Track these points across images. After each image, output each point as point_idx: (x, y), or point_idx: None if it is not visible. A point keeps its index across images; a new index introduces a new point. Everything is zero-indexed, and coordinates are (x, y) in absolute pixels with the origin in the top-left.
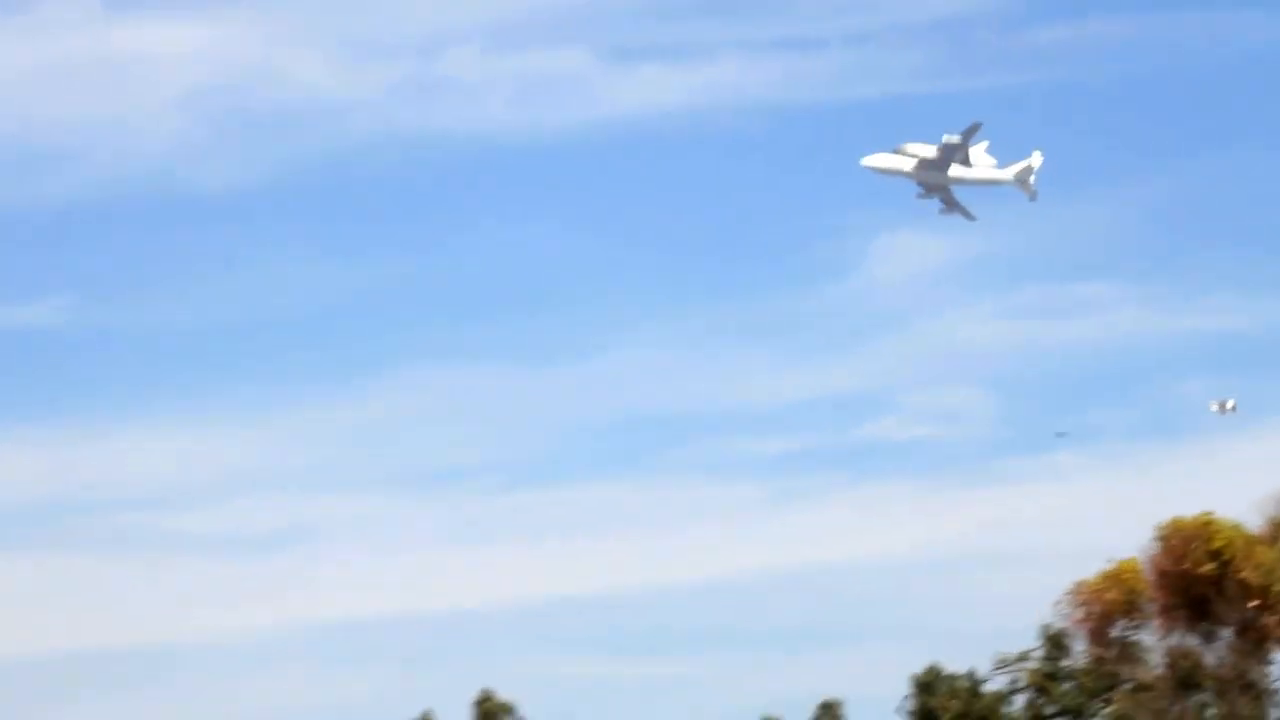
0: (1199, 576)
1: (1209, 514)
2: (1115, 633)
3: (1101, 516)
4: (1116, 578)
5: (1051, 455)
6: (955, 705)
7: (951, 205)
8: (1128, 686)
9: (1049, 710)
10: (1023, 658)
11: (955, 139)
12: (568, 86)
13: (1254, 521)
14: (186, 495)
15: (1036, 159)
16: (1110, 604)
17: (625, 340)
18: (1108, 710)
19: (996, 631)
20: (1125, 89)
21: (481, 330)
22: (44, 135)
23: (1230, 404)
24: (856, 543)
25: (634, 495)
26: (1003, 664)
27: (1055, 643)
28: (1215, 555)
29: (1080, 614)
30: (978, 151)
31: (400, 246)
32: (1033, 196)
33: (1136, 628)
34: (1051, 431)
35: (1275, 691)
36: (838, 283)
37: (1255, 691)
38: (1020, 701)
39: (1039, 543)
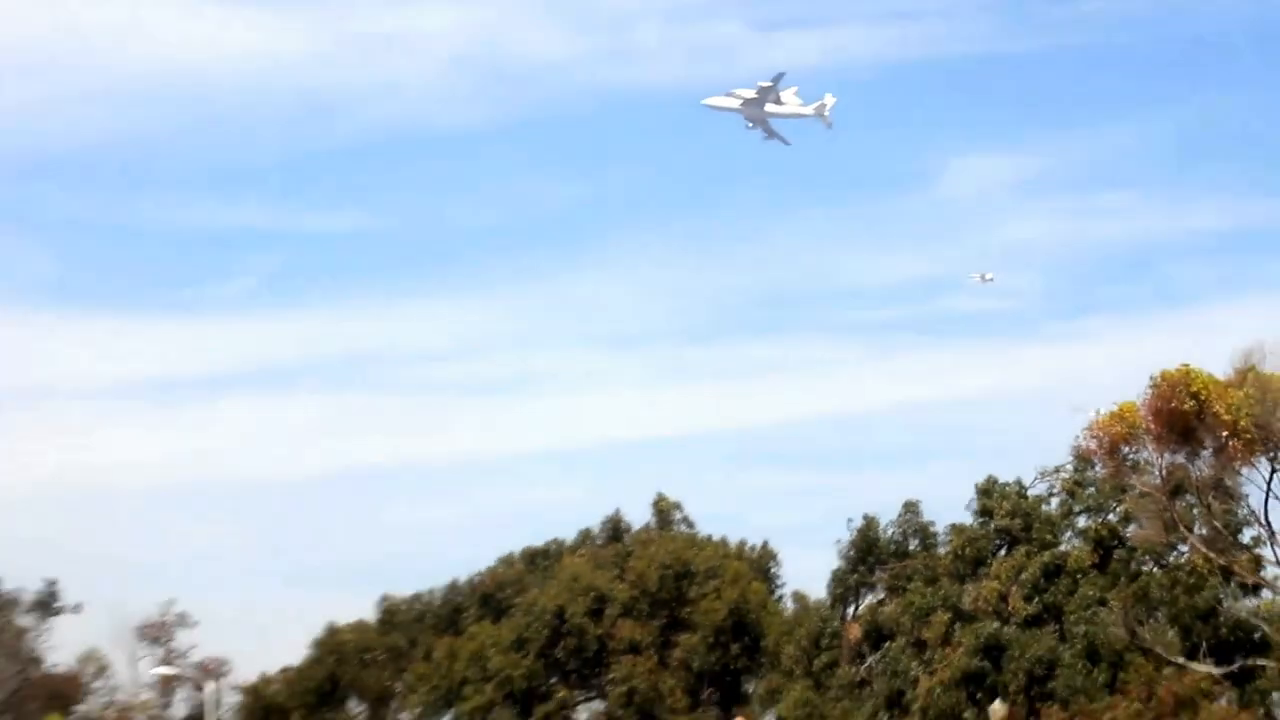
0: (1183, 412)
1: (1188, 365)
2: (1124, 454)
3: (1118, 368)
4: (1121, 415)
5: (1084, 321)
6: (1006, 505)
7: (771, 134)
8: (1134, 493)
9: (1076, 509)
10: (1057, 470)
11: (767, 84)
12: (726, 52)
13: (1227, 370)
14: (449, 352)
15: (829, 99)
16: (1117, 434)
17: (769, 236)
18: (1119, 509)
19: (1040, 451)
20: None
21: (662, 230)
22: (339, 91)
23: (989, 276)
24: (937, 386)
25: (775, 351)
26: (1042, 475)
27: (1081, 460)
28: (1194, 396)
29: (1096, 441)
30: (788, 94)
31: (609, 167)
32: (829, 125)
33: (1138, 450)
34: (1084, 304)
35: (1243, 495)
36: (924, 193)
37: (1226, 493)
38: (1055, 503)
39: (1073, 386)
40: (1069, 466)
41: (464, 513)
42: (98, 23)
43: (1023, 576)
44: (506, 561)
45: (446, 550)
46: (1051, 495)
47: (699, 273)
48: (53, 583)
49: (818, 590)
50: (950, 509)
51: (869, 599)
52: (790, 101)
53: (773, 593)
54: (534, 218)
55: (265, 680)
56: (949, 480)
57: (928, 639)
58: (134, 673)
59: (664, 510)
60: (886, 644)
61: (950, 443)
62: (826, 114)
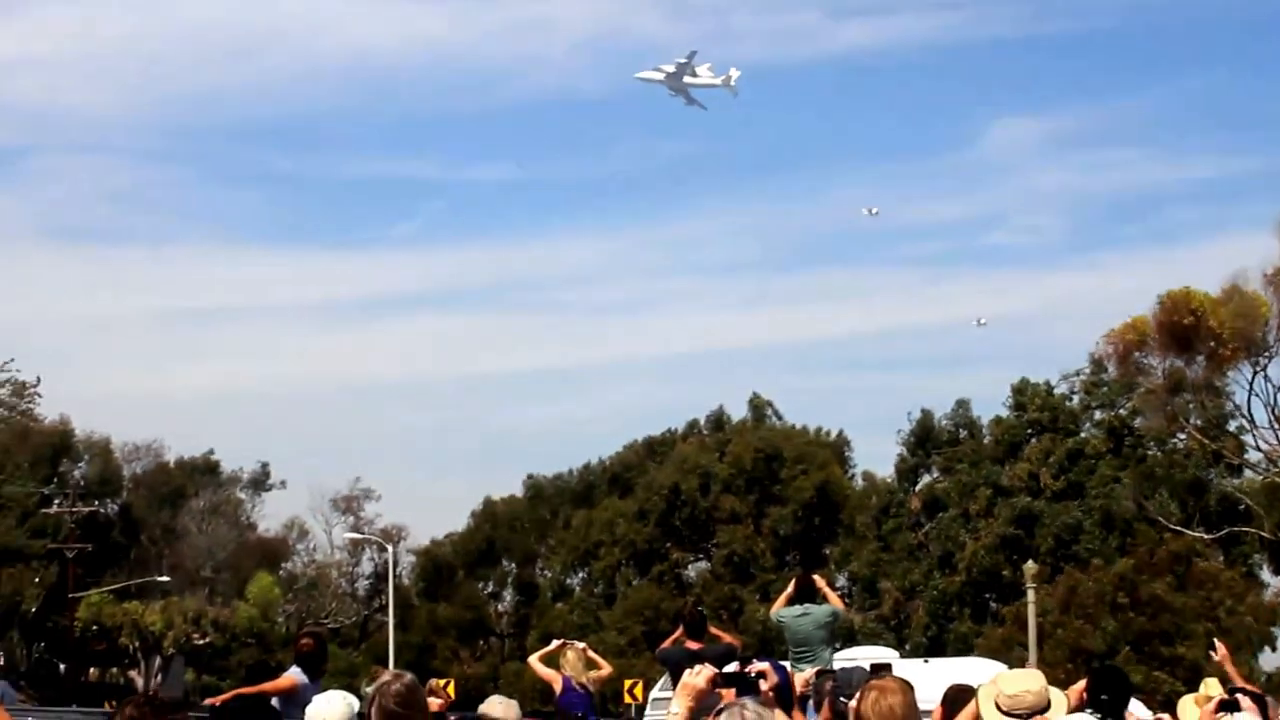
0: (1183, 325)
1: (1188, 287)
2: (1134, 359)
3: (1130, 291)
4: (1133, 325)
5: (1099, 254)
6: (1037, 401)
7: (690, 101)
8: (1141, 390)
9: (1094, 404)
10: (1078, 373)
11: (683, 60)
12: (804, 36)
13: (1217, 291)
14: (581, 278)
15: (734, 72)
16: (1129, 342)
17: (839, 186)
18: (1129, 404)
19: (1065, 356)
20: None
21: (750, 180)
22: (491, 67)
23: (874, 210)
24: (979, 306)
25: (845, 278)
26: (1065, 376)
27: (1098, 365)
28: (1193, 312)
29: (1111, 348)
30: (703, 69)
31: (705, 128)
32: (735, 94)
33: (1146, 356)
34: (1098, 240)
35: (1230, 392)
36: (968, 150)
37: (1216, 391)
38: (1076, 399)
39: (1092, 303)
40: (1087, 369)
41: (596, 409)
42: (296, 16)
43: (1050, 459)
44: (630, 448)
45: (582, 439)
46: (1073, 393)
47: (782, 216)
48: (265, 464)
49: (884, 471)
50: (991, 405)
51: (926, 478)
52: (704, 75)
53: (847, 473)
54: (644, 170)
55: (435, 544)
56: (990, 381)
57: (973, 510)
58: (329, 538)
59: (758, 406)
60: (940, 514)
61: (991, 351)
62: (733, 84)
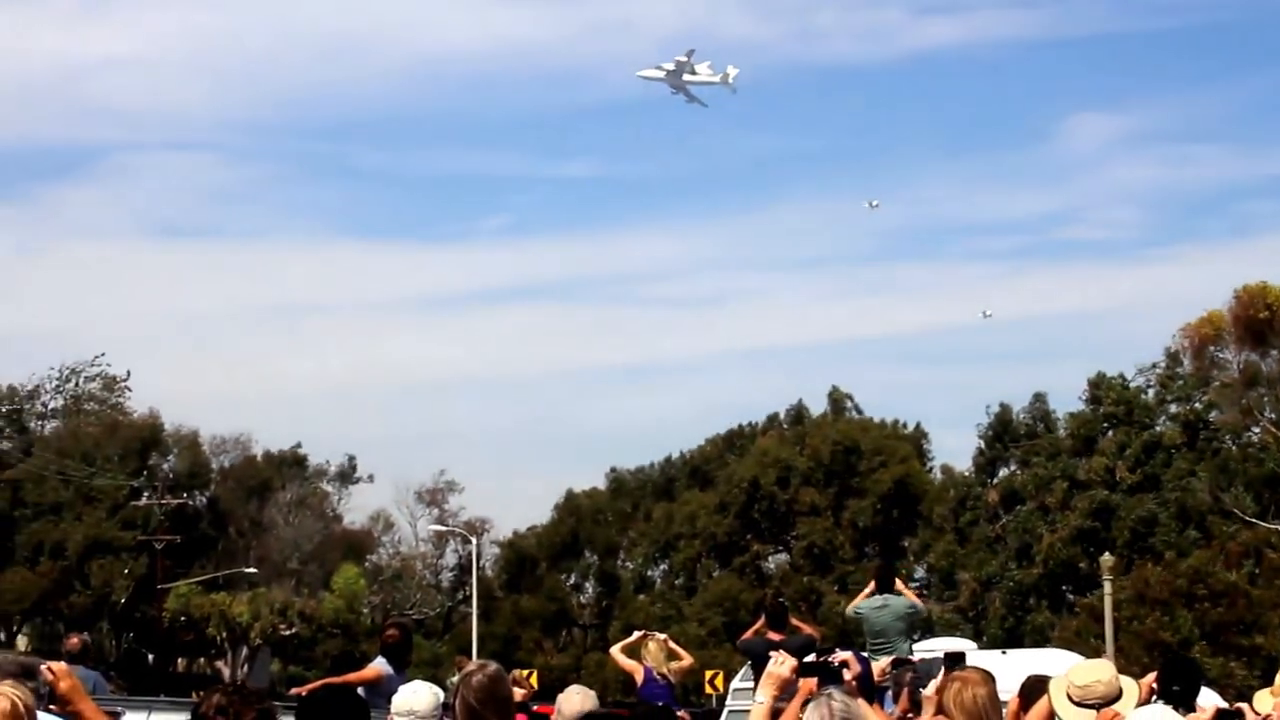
0: (1259, 319)
1: (1264, 282)
2: (1209, 352)
3: (1206, 285)
4: (1209, 319)
5: (1176, 248)
6: (1113, 395)
7: (691, 99)
8: (1216, 384)
9: (1169, 398)
10: (1154, 366)
11: (683, 58)
12: (887, 33)
13: None
14: (664, 273)
15: (732, 70)
16: (1205, 336)
17: (921, 181)
18: (1204, 397)
19: (1141, 350)
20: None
21: (833, 176)
22: (579, 66)
23: (876, 203)
24: (1057, 300)
25: (926, 272)
26: (1141, 370)
27: (1174, 358)
28: (1269, 306)
29: (1187, 342)
30: (702, 67)
31: (789, 125)
32: (733, 91)
33: (1222, 350)
34: (1176, 234)
35: None
36: (1047, 145)
37: None
38: (1151, 393)
39: (1169, 297)
40: (1163, 363)
41: (677, 402)
42: (387, 16)
43: (1126, 453)
44: (711, 441)
45: (663, 431)
46: (1149, 387)
47: (863, 211)
48: (352, 457)
49: (962, 464)
50: (1068, 398)
51: (1003, 471)
52: (703, 72)
53: (926, 466)
54: (728, 166)
55: (519, 536)
56: (1067, 375)
57: (1050, 503)
58: (414, 530)
59: (837, 399)
60: (1017, 507)
61: (1067, 345)
62: (731, 81)
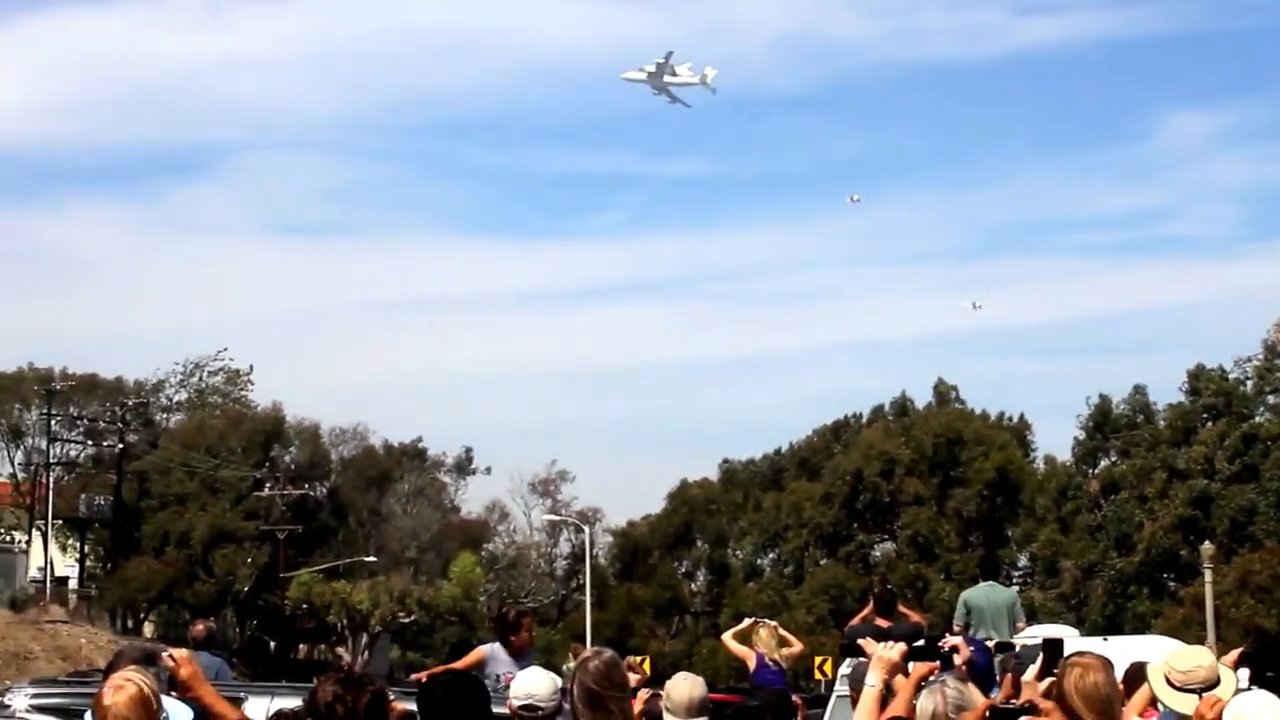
0: None
1: None
2: None
3: None
4: None
5: (1274, 242)
6: (1212, 386)
7: (674, 99)
8: None
9: (1267, 389)
10: (1250, 359)
11: (662, 60)
12: (988, 32)
13: None
14: (769, 269)
15: (710, 71)
16: None
17: (1024, 178)
18: None
19: (1239, 342)
20: None
21: (936, 173)
22: (685, 62)
23: (858, 197)
24: (1158, 294)
25: (1029, 266)
26: (1239, 362)
27: (1271, 350)
28: None
29: None
30: (682, 68)
31: (896, 124)
32: (713, 92)
33: None
34: (1273, 230)
35: None
36: (1149, 141)
37: None
38: (1250, 384)
39: (1267, 291)
40: (1261, 355)
41: (786, 395)
42: (500, 18)
43: (1225, 443)
44: (818, 433)
45: (772, 424)
46: (1247, 378)
47: (968, 206)
48: (468, 448)
49: (1064, 454)
50: (1167, 390)
51: (1104, 461)
52: (684, 74)
53: (1028, 456)
54: (832, 164)
55: (632, 525)
56: (1166, 367)
57: (1150, 493)
58: (528, 520)
59: (942, 391)
60: (1117, 496)
61: (1167, 337)
62: (709, 82)
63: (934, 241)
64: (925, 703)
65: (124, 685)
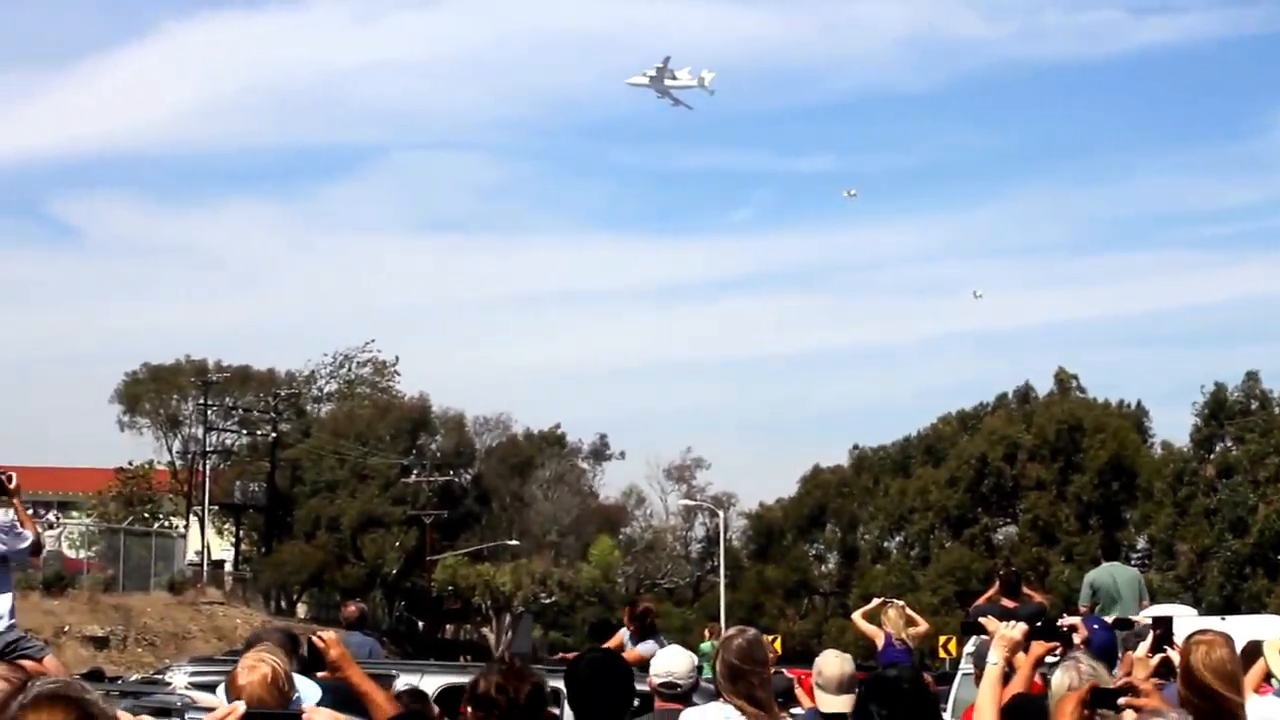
0: None
1: None
2: None
3: None
4: None
5: None
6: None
7: (677, 102)
8: None
9: None
10: None
11: (661, 65)
12: (1106, 32)
13: None
14: (891, 262)
15: (708, 74)
16: None
17: (1135, 173)
18: None
19: None
20: None
21: (1050, 169)
22: (815, 64)
23: (853, 192)
24: (1271, 283)
25: (1141, 259)
26: None
27: None
28: None
29: None
30: (682, 72)
31: (1013, 121)
32: (711, 94)
33: None
34: None
35: None
36: (1263, 137)
37: None
38: None
39: None
40: None
41: (914, 384)
42: (633, 20)
43: None
44: (944, 420)
45: (900, 412)
46: None
47: (1088, 201)
48: (604, 435)
49: (1181, 439)
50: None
51: (1219, 446)
52: (683, 77)
53: (1146, 441)
54: (952, 161)
55: (766, 508)
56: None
57: (1263, 477)
58: (664, 504)
59: (1063, 380)
60: (1231, 480)
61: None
62: (708, 85)
63: (1055, 235)
64: (1061, 678)
65: (257, 665)
